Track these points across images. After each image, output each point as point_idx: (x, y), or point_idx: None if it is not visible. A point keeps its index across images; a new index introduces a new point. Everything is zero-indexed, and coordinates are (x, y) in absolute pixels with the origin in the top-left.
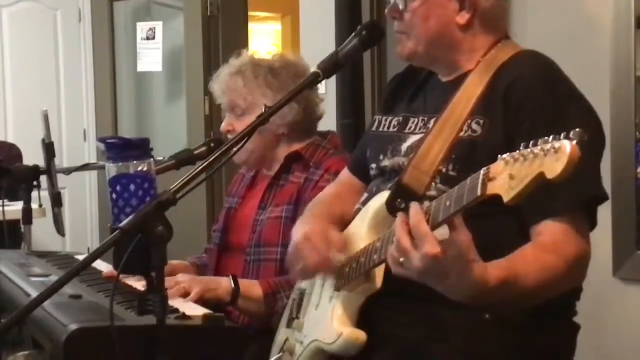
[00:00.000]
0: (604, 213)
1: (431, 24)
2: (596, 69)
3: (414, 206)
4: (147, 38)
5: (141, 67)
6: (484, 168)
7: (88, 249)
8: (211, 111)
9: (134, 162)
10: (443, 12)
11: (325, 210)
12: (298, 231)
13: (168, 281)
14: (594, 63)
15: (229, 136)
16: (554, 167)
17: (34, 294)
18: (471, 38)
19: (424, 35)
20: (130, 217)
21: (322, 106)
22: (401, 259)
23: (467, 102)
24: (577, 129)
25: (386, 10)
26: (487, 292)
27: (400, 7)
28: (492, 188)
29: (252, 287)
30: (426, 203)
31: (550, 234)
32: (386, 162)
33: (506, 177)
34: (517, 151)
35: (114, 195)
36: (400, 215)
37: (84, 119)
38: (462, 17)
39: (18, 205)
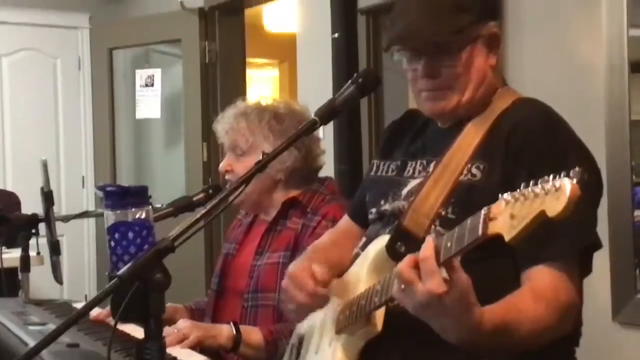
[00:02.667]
0: (602, 257)
1: (479, 71)
2: (591, 113)
3: (429, 240)
4: (146, 85)
5: (140, 114)
6: (485, 208)
7: (86, 296)
8: (209, 157)
9: (133, 209)
10: (483, 59)
11: (323, 256)
12: (285, 275)
13: (166, 328)
14: (589, 108)
15: (227, 176)
16: (554, 206)
17: (31, 343)
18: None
19: (474, 82)
20: (129, 265)
21: (324, 157)
22: (402, 286)
23: (467, 148)
24: (578, 168)
25: (419, 72)
26: (480, 336)
27: (448, 62)
28: (494, 228)
29: (253, 334)
30: None
31: (543, 281)
32: (387, 207)
33: (507, 216)
34: (518, 190)
35: (112, 243)
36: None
37: (83, 166)
38: (492, 59)
39: (16, 253)
